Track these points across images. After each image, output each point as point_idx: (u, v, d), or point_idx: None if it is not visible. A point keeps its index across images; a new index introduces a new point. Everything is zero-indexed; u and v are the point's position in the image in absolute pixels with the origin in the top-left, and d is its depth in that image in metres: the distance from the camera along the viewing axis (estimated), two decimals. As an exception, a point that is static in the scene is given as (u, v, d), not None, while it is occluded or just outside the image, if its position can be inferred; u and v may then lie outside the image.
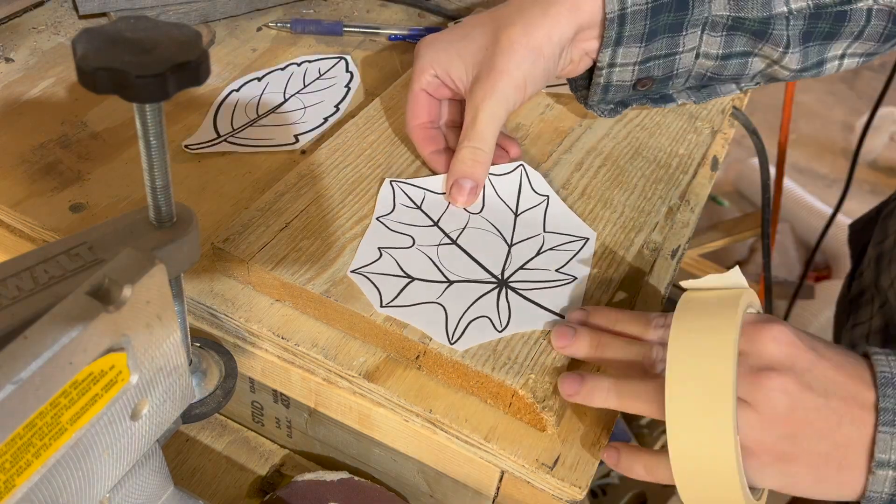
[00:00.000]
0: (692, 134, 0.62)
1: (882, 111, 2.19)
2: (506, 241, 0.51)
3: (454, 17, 0.72)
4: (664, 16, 0.50)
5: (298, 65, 0.67)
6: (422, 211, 0.52)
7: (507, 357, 0.44)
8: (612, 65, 0.52)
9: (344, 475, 0.51)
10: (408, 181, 0.53)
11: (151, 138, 0.32)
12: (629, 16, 0.50)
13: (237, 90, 0.64)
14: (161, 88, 0.28)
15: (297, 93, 0.64)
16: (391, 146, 0.56)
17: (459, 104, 0.56)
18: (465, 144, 0.51)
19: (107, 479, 0.35)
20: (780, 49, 0.52)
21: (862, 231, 0.81)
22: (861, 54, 0.56)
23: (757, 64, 0.55)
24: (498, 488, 0.45)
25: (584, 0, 0.50)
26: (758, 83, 0.58)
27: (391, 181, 0.53)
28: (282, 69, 0.66)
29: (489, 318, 0.45)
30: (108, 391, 0.32)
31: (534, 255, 0.50)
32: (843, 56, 0.55)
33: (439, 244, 0.50)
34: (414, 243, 0.49)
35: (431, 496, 0.51)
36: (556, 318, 0.46)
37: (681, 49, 0.52)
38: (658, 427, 1.13)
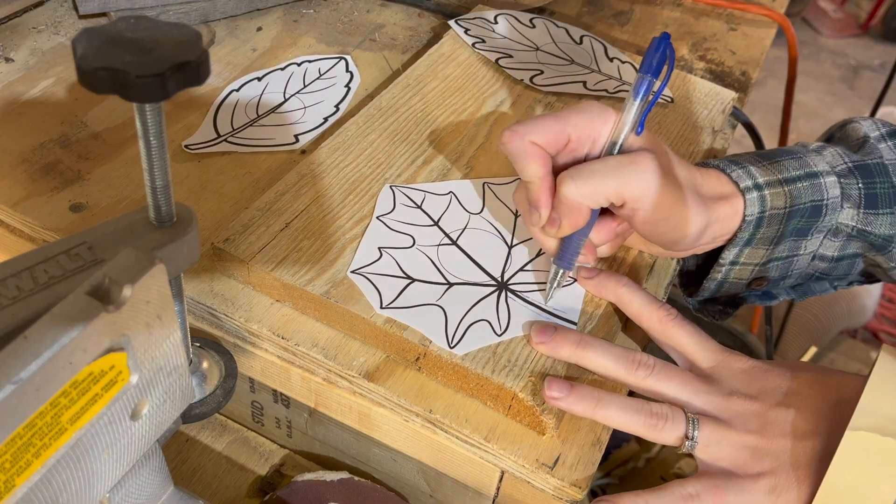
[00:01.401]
0: (692, 134, 0.62)
1: (882, 111, 2.19)
2: (506, 243, 0.51)
3: (454, 15, 0.72)
4: (796, 220, 0.49)
5: (298, 65, 0.67)
6: (422, 210, 0.52)
7: (507, 360, 0.44)
8: (734, 262, 0.51)
9: (344, 475, 0.51)
10: (408, 185, 0.53)
11: (151, 138, 0.32)
12: (766, 219, 0.48)
13: (237, 90, 0.64)
14: (161, 88, 0.28)
15: (297, 93, 0.64)
16: (391, 146, 0.56)
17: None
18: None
19: (107, 479, 0.35)
20: (893, 264, 0.51)
21: None
22: None
23: (860, 266, 0.54)
24: (498, 488, 0.45)
25: (732, 201, 0.48)
26: (851, 284, 0.57)
27: (391, 186, 0.53)
28: (282, 69, 0.66)
29: (489, 322, 0.45)
30: (108, 391, 0.32)
31: (534, 256, 0.50)
32: None
33: (439, 244, 0.50)
34: (414, 243, 0.49)
35: (431, 496, 0.51)
36: (555, 319, 0.46)
37: (801, 252, 0.51)
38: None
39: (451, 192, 0.53)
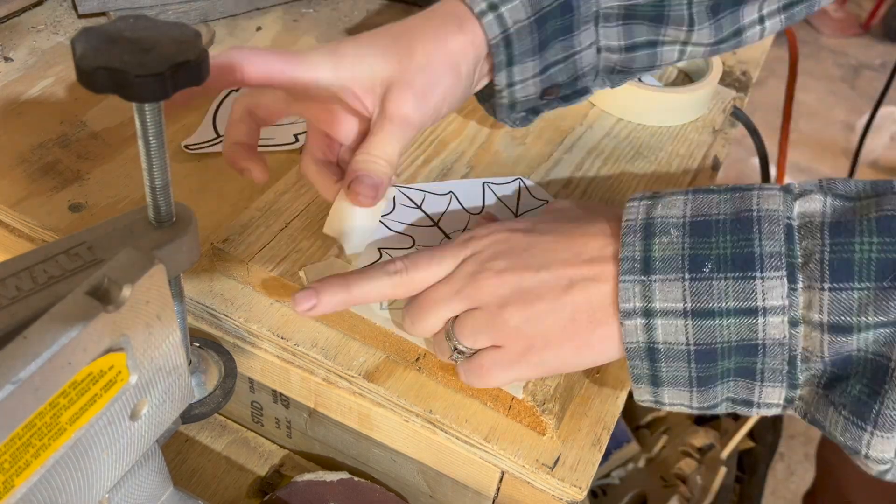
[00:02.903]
0: (693, 134, 0.62)
1: (883, 111, 2.18)
2: (506, 241, 0.50)
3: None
4: (551, 22, 0.47)
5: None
6: (422, 211, 0.52)
7: (508, 357, 0.44)
8: (511, 84, 0.49)
9: (344, 475, 0.50)
10: (408, 185, 0.53)
11: (151, 138, 0.32)
12: (514, 35, 0.46)
13: (236, 90, 0.64)
14: (161, 88, 0.28)
15: (297, 92, 0.64)
16: (391, 146, 0.56)
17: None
18: (362, 154, 0.44)
19: (106, 479, 0.35)
20: (685, 28, 0.50)
21: None
22: (780, 9, 0.52)
23: (668, 53, 0.52)
24: (498, 489, 0.45)
25: (470, 25, 0.46)
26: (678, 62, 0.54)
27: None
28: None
29: (489, 319, 0.45)
30: (108, 391, 0.32)
31: (534, 255, 0.50)
32: (761, 19, 0.52)
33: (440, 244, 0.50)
34: (414, 244, 0.49)
35: (431, 496, 0.51)
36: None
37: (578, 48, 0.49)
38: (658, 427, 1.13)
39: (450, 192, 0.53)
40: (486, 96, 0.53)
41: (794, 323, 0.34)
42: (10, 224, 0.53)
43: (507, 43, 0.47)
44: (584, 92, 0.54)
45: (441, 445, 0.44)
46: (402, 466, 0.50)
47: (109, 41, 0.28)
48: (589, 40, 0.50)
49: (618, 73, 0.53)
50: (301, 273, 0.46)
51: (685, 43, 0.51)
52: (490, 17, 0.46)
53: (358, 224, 0.46)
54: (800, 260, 0.34)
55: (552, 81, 0.50)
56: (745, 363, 0.36)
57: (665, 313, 0.36)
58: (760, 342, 0.35)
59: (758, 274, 0.34)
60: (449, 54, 0.45)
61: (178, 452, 0.54)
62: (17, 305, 0.31)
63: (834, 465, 1.01)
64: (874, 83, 2.57)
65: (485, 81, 0.50)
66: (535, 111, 0.54)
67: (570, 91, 0.53)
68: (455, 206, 0.52)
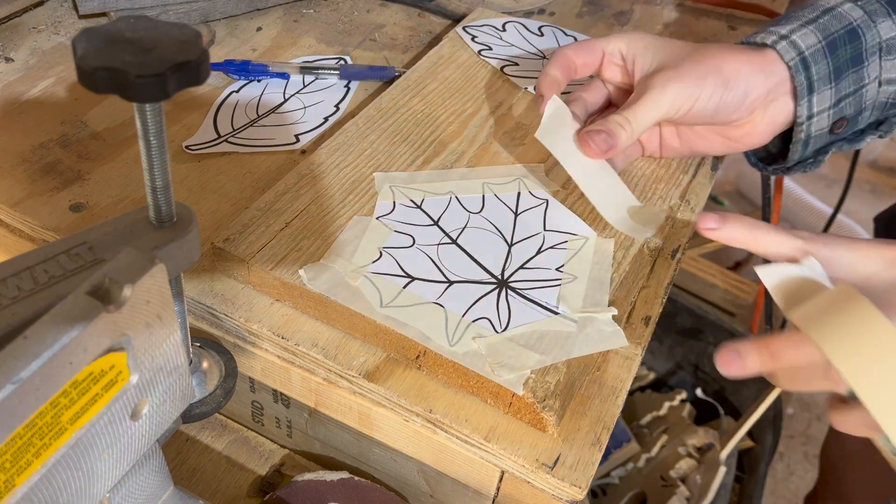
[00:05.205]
0: (692, 134, 0.62)
1: (882, 111, 2.17)
2: (506, 241, 0.51)
3: (454, 16, 0.72)
4: (841, 50, 0.52)
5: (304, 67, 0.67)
6: (422, 210, 0.52)
7: (508, 356, 0.44)
8: (810, 116, 0.53)
9: (344, 475, 0.51)
10: (408, 185, 0.53)
11: (151, 138, 0.32)
12: (809, 58, 0.51)
13: (237, 91, 0.64)
14: (161, 88, 0.28)
15: (297, 93, 0.64)
16: (391, 146, 0.56)
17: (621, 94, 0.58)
18: (619, 113, 0.52)
19: (107, 478, 0.35)
20: None
21: (889, 224, 0.83)
22: None
23: None
24: (498, 488, 0.45)
25: (773, 63, 0.52)
26: None
27: (390, 186, 0.53)
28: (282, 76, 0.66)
29: (489, 320, 0.45)
30: (108, 391, 0.32)
31: (534, 254, 0.50)
32: None
33: (439, 244, 0.50)
34: (414, 243, 0.49)
35: (432, 496, 0.51)
36: (555, 315, 0.46)
37: (866, 81, 0.53)
38: (658, 427, 1.13)
39: (450, 191, 0.53)
40: (767, 153, 0.59)
41: None
42: (10, 224, 0.53)
43: (805, 65, 0.51)
44: (860, 139, 0.57)
45: (441, 445, 0.45)
46: (402, 466, 0.50)
47: (110, 41, 0.28)
48: (875, 73, 0.53)
49: (884, 119, 0.56)
50: (301, 272, 0.46)
51: None
52: (783, 43, 0.52)
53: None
54: None
55: (841, 115, 0.54)
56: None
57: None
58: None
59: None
60: (722, 63, 0.52)
61: (178, 452, 0.54)
62: (18, 305, 0.31)
63: (837, 468, 1.01)
64: (874, 83, 2.57)
65: (764, 135, 0.55)
66: (824, 150, 0.57)
67: (849, 133, 0.56)
68: (455, 205, 0.52)
